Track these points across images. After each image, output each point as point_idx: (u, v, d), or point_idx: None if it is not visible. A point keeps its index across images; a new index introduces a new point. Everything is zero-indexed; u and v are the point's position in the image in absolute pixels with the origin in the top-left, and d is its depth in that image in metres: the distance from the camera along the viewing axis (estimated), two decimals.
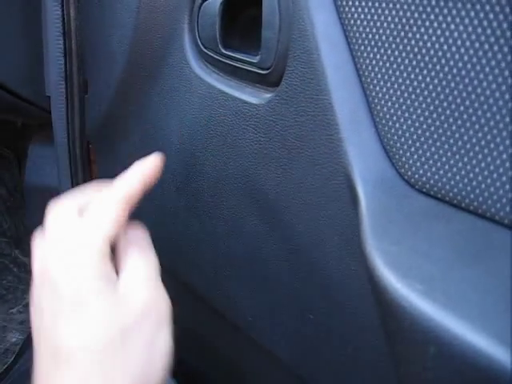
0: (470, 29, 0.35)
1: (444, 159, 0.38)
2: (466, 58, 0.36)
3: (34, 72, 0.93)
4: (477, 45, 0.35)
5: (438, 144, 0.38)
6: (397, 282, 0.33)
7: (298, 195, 0.47)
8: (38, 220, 1.11)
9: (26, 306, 1.29)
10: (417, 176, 0.40)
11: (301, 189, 0.47)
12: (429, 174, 0.39)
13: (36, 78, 0.93)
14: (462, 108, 0.37)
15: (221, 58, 0.54)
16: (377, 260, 0.35)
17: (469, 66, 0.36)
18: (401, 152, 0.41)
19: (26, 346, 1.16)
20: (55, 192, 1.04)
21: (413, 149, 0.40)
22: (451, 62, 0.37)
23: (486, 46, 0.35)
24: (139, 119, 0.68)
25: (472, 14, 0.35)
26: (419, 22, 0.38)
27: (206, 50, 0.55)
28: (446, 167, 0.38)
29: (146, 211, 0.69)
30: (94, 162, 1.03)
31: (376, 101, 0.41)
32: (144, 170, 0.49)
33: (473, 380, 0.29)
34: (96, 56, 0.77)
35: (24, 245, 1.42)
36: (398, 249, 0.35)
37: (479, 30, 0.35)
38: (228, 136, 0.53)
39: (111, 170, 0.82)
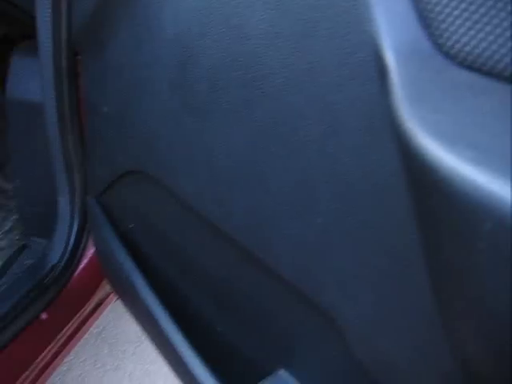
0: None
1: (493, 24, 0.32)
2: None
3: None
4: None
5: (485, 8, 0.32)
6: (442, 150, 0.27)
7: (311, 78, 0.41)
8: (20, 136, 1.05)
9: (6, 233, 1.23)
10: (458, 46, 0.34)
11: (315, 70, 0.40)
12: (473, 44, 0.33)
13: None
14: None
15: None
16: (416, 127, 0.28)
17: None
18: (440, 18, 0.34)
19: (3, 271, 1.11)
20: (39, 107, 0.98)
21: (456, 13, 0.33)
22: None
23: None
24: (129, 15, 0.61)
25: None
26: None
27: None
28: (496, 34, 0.32)
29: (134, 117, 0.63)
30: (80, 76, 0.95)
31: None
32: None
33: None
34: None
35: (5, 171, 1.35)
36: (440, 117, 0.29)
37: None
38: (232, 17, 0.47)
39: (99, 79, 0.75)
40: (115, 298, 1.17)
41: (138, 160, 0.65)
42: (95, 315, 1.09)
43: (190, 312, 0.65)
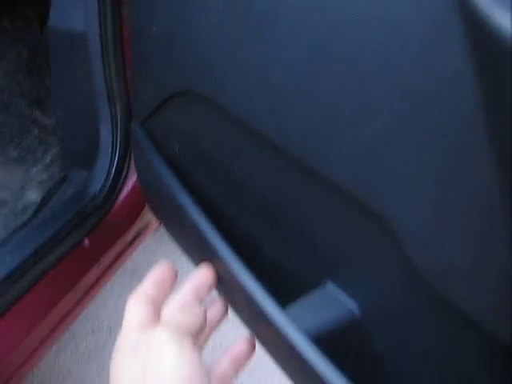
0: None
1: None
2: None
3: None
4: None
5: None
6: None
7: None
8: (62, 67, 1.06)
9: (46, 167, 1.26)
10: None
11: None
12: None
13: None
14: None
15: None
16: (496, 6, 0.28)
17: None
18: None
19: (44, 203, 1.13)
20: (81, 37, 0.98)
21: None
22: None
23: None
24: None
25: None
26: None
27: None
28: None
29: (185, 36, 0.62)
30: (123, 5, 0.95)
31: None
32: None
33: None
34: None
35: (45, 106, 1.37)
36: None
37: None
38: None
39: (147, 5, 0.74)
40: (154, 229, 1.20)
41: (188, 80, 0.65)
42: (133, 246, 1.12)
43: (236, 235, 0.66)
